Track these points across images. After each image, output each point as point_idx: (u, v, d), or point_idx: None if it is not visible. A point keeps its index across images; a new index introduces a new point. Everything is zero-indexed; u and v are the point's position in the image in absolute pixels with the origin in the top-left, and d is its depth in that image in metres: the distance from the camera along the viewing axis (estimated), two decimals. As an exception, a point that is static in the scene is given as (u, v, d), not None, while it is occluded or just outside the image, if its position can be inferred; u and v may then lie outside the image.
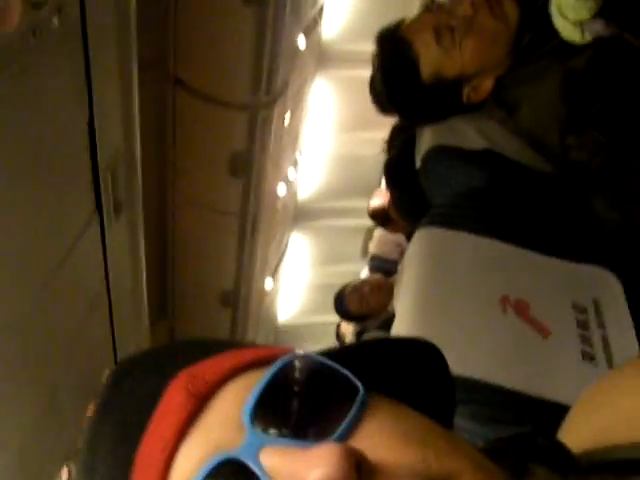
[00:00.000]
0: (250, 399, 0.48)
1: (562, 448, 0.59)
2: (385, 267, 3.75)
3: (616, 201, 1.37)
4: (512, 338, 1.31)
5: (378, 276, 3.51)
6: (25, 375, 1.59)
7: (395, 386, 0.55)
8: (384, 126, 3.46)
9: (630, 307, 1.39)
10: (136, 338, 2.64)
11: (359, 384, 0.49)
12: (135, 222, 2.12)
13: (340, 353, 0.54)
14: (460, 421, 1.22)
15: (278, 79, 3.29)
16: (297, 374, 0.50)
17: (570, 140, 1.40)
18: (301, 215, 5.44)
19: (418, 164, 1.87)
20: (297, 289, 6.25)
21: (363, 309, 3.33)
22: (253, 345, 0.59)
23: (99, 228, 1.84)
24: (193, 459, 0.46)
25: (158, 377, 0.53)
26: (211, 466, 0.45)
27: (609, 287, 1.43)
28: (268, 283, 5.10)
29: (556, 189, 1.60)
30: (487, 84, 1.65)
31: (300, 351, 0.53)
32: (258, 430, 0.46)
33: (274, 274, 5.30)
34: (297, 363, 0.51)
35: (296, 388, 0.50)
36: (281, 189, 4.35)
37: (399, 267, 1.71)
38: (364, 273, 4.39)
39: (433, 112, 1.81)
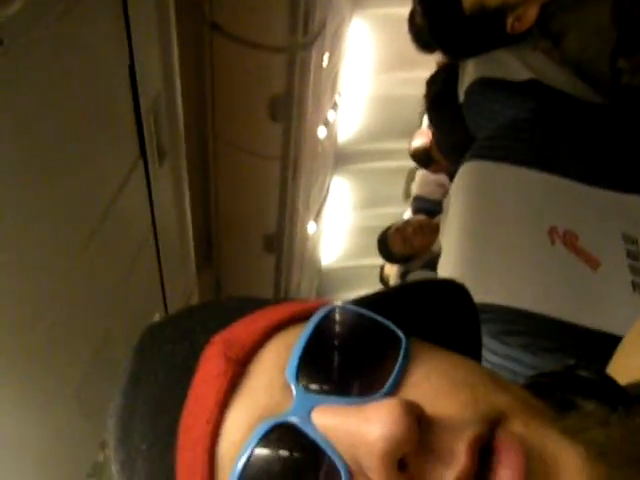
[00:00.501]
0: (292, 358, 0.46)
1: (608, 380, 0.57)
2: (428, 207, 3.72)
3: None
4: (561, 269, 1.30)
5: (421, 217, 3.49)
6: (79, 318, 1.63)
7: (427, 328, 0.54)
8: (423, 65, 3.39)
9: (682, 237, 1.36)
10: (184, 283, 2.68)
11: (401, 333, 0.47)
12: (179, 167, 2.14)
13: (373, 300, 0.52)
14: (510, 351, 1.22)
15: (315, 19, 3.24)
16: (337, 328, 0.49)
17: (621, 64, 1.35)
18: (342, 158, 5.41)
19: (461, 98, 1.84)
20: (340, 233, 6.26)
21: (407, 250, 3.32)
22: (287, 300, 0.58)
23: (144, 174, 1.86)
24: (241, 427, 0.45)
25: (190, 343, 0.51)
26: (262, 432, 0.43)
27: (660, 217, 1.40)
28: (311, 227, 5.11)
29: (605, 119, 1.56)
30: (531, 13, 1.60)
31: (337, 302, 0.51)
32: (305, 390, 0.45)
33: (317, 218, 5.31)
34: (336, 316, 0.49)
35: (338, 342, 0.48)
36: (321, 132, 4.32)
37: (444, 204, 1.69)
38: (407, 215, 4.36)
39: (476, 44, 1.77)
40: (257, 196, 4.12)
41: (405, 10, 2.34)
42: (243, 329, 0.50)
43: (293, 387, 0.45)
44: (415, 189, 4.06)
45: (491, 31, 1.67)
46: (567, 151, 1.48)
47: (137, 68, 1.59)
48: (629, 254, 1.33)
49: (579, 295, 1.28)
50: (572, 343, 1.23)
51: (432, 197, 3.81)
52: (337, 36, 4.06)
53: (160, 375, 0.50)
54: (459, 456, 0.40)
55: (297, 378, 0.45)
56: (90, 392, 1.78)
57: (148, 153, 1.80)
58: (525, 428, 0.42)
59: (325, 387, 0.45)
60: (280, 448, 0.43)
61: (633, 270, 1.31)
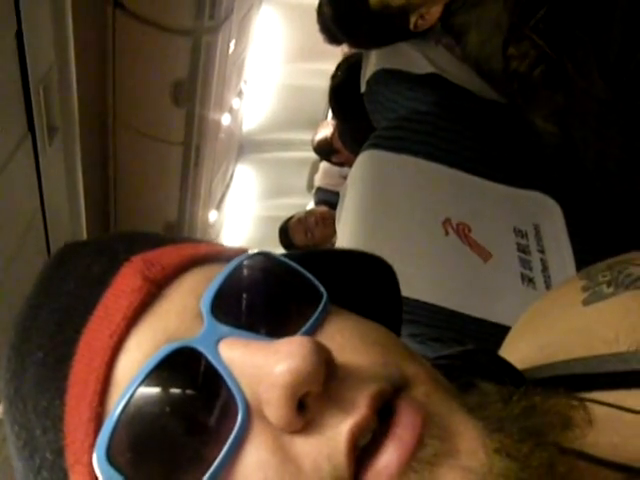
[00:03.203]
0: (210, 288, 0.45)
1: (507, 364, 0.58)
2: (330, 199, 3.73)
3: (557, 116, 1.36)
4: (454, 260, 1.32)
5: (323, 208, 3.50)
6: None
7: (348, 299, 0.53)
8: (331, 57, 3.39)
9: (569, 232, 1.41)
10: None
11: (323, 289, 0.47)
12: (72, 147, 2.04)
13: (301, 256, 0.52)
14: (400, 340, 1.23)
15: (222, 4, 3.19)
16: (261, 270, 0.48)
17: (511, 50, 1.37)
18: (246, 147, 5.36)
19: (364, 88, 1.85)
20: (242, 222, 6.21)
21: (308, 241, 3.33)
22: (210, 242, 0.56)
23: (32, 151, 1.76)
24: (144, 347, 0.43)
25: (110, 261, 0.48)
26: (163, 354, 0.41)
27: (549, 212, 1.45)
28: (212, 215, 5.04)
29: (501, 116, 1.60)
30: (435, 12, 1.63)
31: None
32: (217, 321, 0.43)
33: (219, 206, 5.24)
34: (262, 260, 0.49)
35: (259, 283, 0.48)
36: (225, 119, 4.26)
37: (340, 193, 1.69)
38: (309, 206, 4.38)
39: (379, 37, 1.78)
40: (158, 182, 4.02)
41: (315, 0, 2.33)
42: (165, 254, 0.49)
43: (205, 315, 0.44)
44: (318, 180, 4.07)
45: (395, 27, 1.68)
46: (464, 145, 1.51)
47: (26, 37, 1.50)
48: (519, 247, 1.37)
49: (470, 286, 1.30)
50: (461, 333, 1.25)
51: (335, 189, 3.82)
52: (245, 23, 4.02)
53: (71, 285, 0.48)
54: (359, 406, 0.39)
55: (211, 307, 0.44)
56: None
57: (37, 129, 1.71)
58: (427, 398, 0.42)
59: (237, 321, 0.44)
60: (180, 373, 0.42)
61: (522, 263, 1.34)
